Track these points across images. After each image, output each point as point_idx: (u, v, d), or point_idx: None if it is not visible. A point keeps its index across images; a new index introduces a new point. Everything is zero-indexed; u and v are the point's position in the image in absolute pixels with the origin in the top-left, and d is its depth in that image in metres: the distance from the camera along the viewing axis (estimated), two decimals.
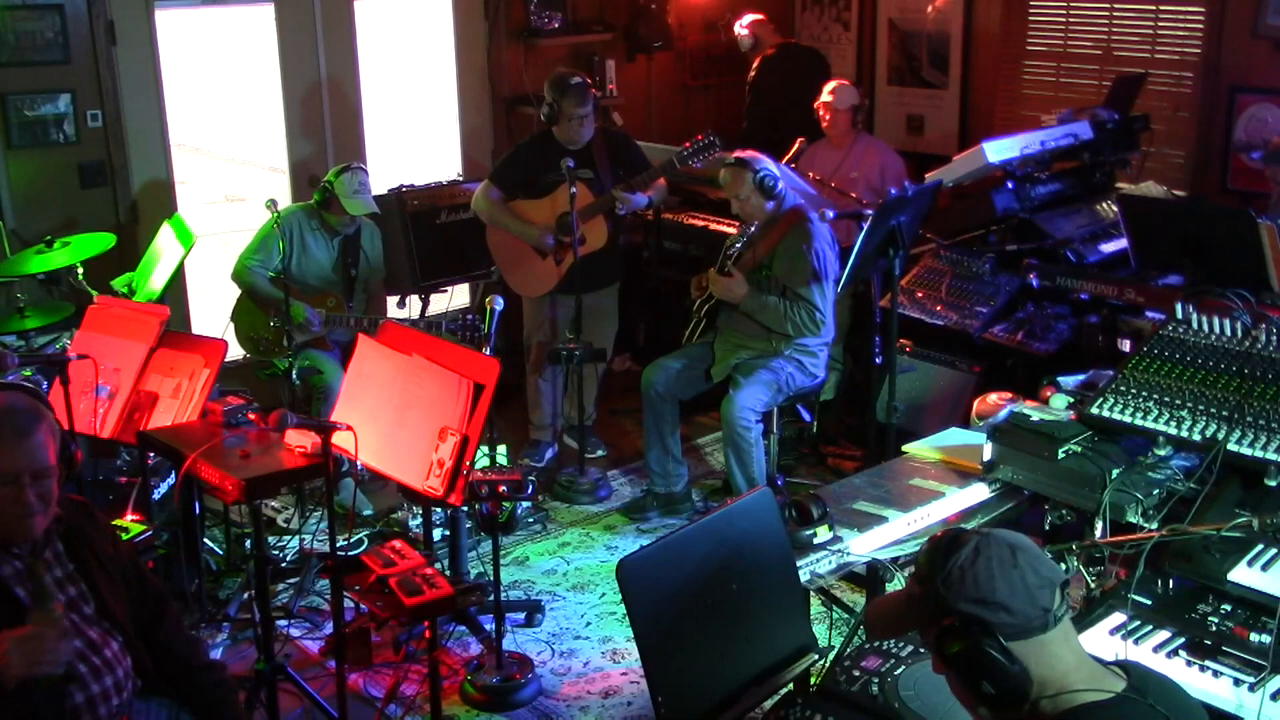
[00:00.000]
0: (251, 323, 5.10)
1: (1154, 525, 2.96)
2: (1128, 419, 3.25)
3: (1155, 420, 3.21)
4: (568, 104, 5.15)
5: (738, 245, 4.79)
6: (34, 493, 2.42)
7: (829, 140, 5.91)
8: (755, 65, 6.78)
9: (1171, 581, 2.82)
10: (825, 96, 5.81)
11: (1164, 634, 2.70)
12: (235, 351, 4.93)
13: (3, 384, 2.62)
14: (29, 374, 3.98)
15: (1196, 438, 3.11)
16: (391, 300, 5.64)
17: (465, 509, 4.18)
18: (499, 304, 4.46)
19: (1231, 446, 3.04)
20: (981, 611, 1.86)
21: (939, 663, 1.93)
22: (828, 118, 5.82)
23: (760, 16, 6.87)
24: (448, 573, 4.32)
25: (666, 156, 5.31)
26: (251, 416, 3.60)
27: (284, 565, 4.54)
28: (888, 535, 3.17)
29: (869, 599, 3.22)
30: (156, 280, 4.92)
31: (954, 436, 3.76)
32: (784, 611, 2.80)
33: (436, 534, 4.44)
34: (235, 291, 5.19)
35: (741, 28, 6.82)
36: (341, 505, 4.29)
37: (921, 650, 2.65)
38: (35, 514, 2.44)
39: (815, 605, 3.35)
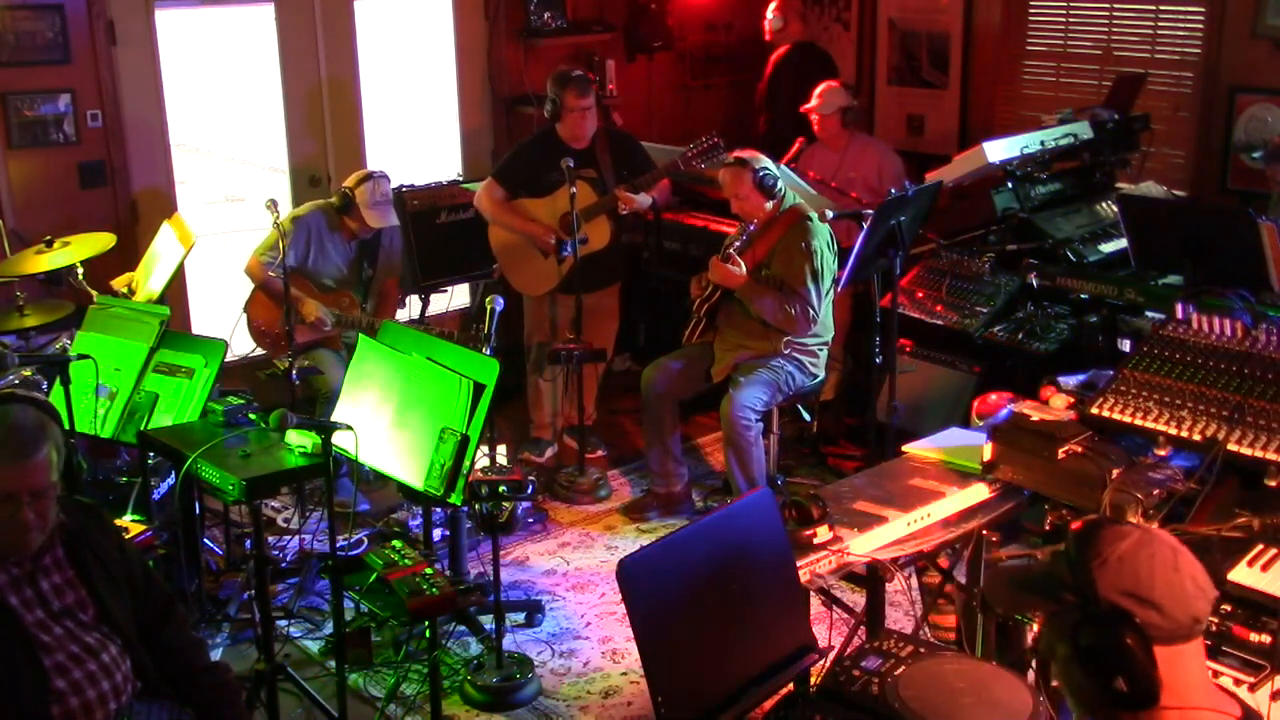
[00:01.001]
0: (265, 317, 5.11)
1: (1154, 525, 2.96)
2: (1128, 419, 3.25)
3: (1155, 420, 3.21)
4: (569, 96, 5.16)
5: (737, 243, 4.79)
6: (32, 511, 2.42)
7: (824, 143, 5.91)
8: (772, 64, 6.78)
9: None
10: (812, 101, 5.81)
11: None
12: (235, 351, 4.93)
13: (14, 396, 2.60)
14: (29, 374, 3.98)
15: (1196, 438, 3.11)
16: None
17: (465, 509, 4.18)
18: (499, 304, 4.46)
19: (1231, 446, 3.04)
20: (1134, 606, 1.78)
21: (1064, 651, 1.83)
22: (816, 122, 5.83)
23: None
24: (448, 573, 4.32)
25: (669, 157, 5.32)
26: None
27: (284, 565, 4.54)
28: (888, 535, 3.17)
29: (869, 599, 3.22)
30: (156, 280, 4.92)
31: (954, 436, 3.76)
32: (784, 611, 2.80)
33: (436, 534, 4.45)
34: (237, 290, 5.19)
35: (771, 11, 6.81)
36: (341, 505, 4.30)
37: (922, 650, 2.65)
38: (32, 531, 2.44)
39: (815, 605, 3.34)
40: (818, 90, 5.83)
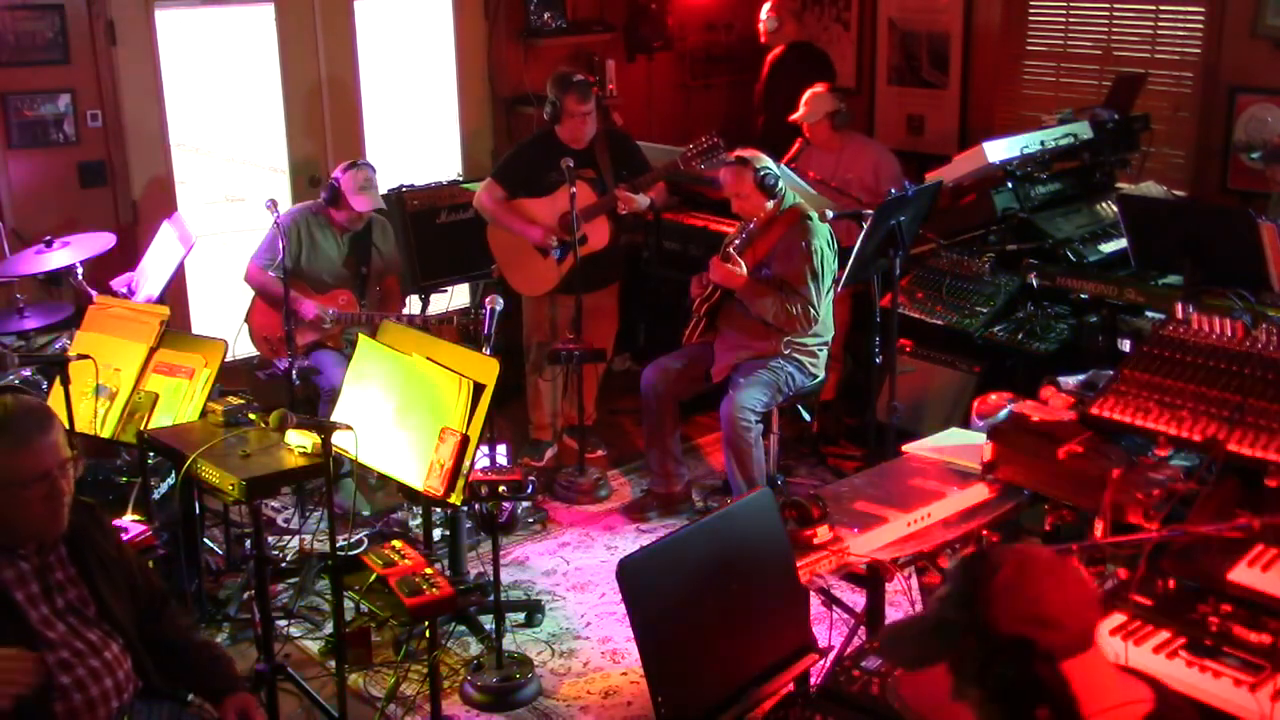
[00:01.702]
0: (265, 323, 5.10)
1: (1154, 525, 2.96)
2: (1128, 419, 3.25)
3: (1155, 420, 3.21)
4: (570, 100, 5.16)
5: (736, 242, 4.79)
6: (64, 481, 2.49)
7: (818, 146, 5.92)
8: (768, 65, 6.78)
9: (1171, 581, 2.82)
10: (799, 110, 5.82)
11: (1164, 634, 2.70)
12: (235, 351, 4.93)
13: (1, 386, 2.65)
14: (31, 375, 3.99)
15: (1196, 438, 3.11)
16: None
17: (465, 509, 4.18)
18: (499, 304, 4.46)
19: (1231, 446, 3.03)
20: (1034, 631, 1.75)
21: (978, 694, 1.79)
22: (806, 129, 5.85)
23: None
24: (448, 573, 4.32)
25: (669, 157, 5.31)
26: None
27: (284, 565, 4.54)
28: (888, 535, 3.17)
29: (869, 599, 3.22)
30: (156, 280, 4.92)
31: (954, 436, 3.76)
32: (784, 611, 2.80)
33: (436, 534, 4.45)
34: (237, 292, 5.19)
35: (766, 13, 6.80)
36: (341, 506, 4.30)
37: None
38: (66, 505, 2.50)
39: (815, 605, 3.35)
40: (803, 98, 5.84)
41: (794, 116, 5.86)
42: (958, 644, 1.82)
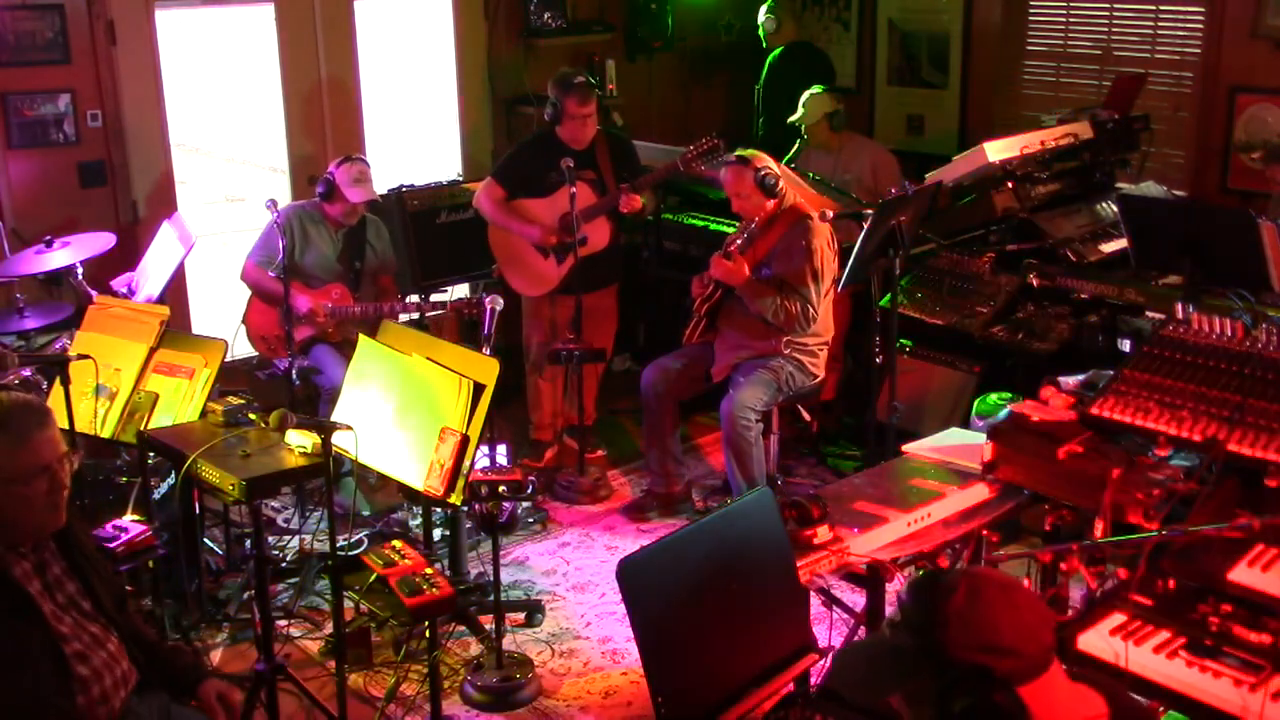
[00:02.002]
0: (262, 322, 5.10)
1: (1154, 525, 2.95)
2: (1128, 419, 3.25)
3: (1155, 420, 3.21)
4: (571, 103, 5.15)
5: (738, 241, 4.79)
6: (64, 475, 2.50)
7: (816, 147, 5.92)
8: (768, 65, 6.78)
9: (1171, 581, 2.82)
10: (798, 112, 5.81)
11: (1164, 634, 2.70)
12: (235, 351, 4.93)
13: None
14: (31, 375, 3.99)
15: (1196, 438, 3.11)
16: None
17: (465, 509, 4.18)
18: (499, 304, 4.46)
19: (1231, 446, 3.03)
20: (990, 659, 1.73)
21: None
22: (804, 129, 5.84)
23: None
24: (448, 573, 4.32)
25: (669, 158, 5.31)
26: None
27: (284, 565, 4.54)
28: (888, 535, 3.17)
29: (869, 599, 3.22)
30: (156, 280, 4.92)
31: (954, 436, 3.76)
32: (784, 611, 2.80)
33: (436, 534, 4.45)
34: (237, 292, 5.19)
35: (765, 13, 6.80)
36: (341, 505, 4.30)
37: None
38: (66, 496, 2.52)
39: (815, 605, 3.35)
40: (801, 99, 5.85)
41: (792, 118, 5.86)
42: (912, 673, 1.80)
